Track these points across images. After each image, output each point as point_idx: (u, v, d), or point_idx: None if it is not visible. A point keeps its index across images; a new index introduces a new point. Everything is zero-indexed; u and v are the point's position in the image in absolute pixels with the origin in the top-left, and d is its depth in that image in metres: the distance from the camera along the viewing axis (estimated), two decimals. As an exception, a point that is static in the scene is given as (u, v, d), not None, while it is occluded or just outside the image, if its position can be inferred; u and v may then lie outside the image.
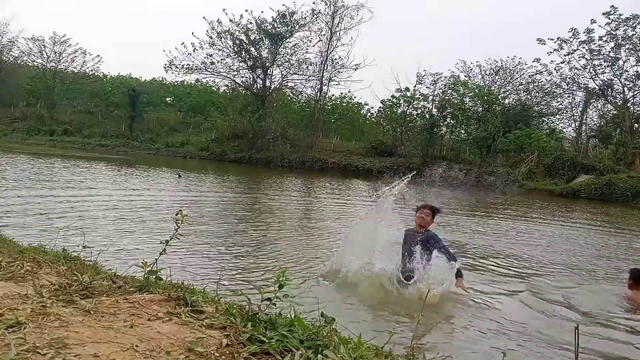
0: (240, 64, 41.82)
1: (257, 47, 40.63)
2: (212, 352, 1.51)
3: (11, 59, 51.16)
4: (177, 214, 2.42)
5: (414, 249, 4.99)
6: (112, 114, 49.47)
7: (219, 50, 40.98)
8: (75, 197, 10.70)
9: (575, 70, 37.50)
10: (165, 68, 41.57)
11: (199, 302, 1.97)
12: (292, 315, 1.86)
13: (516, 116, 38.89)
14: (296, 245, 7.61)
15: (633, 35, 33.52)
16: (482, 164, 33.29)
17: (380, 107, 44.12)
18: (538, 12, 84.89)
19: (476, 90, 38.11)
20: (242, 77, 42.81)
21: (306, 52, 41.32)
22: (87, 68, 52.51)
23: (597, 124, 42.85)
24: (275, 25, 40.04)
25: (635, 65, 34.68)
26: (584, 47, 35.73)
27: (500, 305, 5.11)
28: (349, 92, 55.74)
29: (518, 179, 30.26)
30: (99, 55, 55.88)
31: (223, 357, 1.50)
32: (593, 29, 34.77)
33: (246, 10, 52.14)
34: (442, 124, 38.62)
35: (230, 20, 40.16)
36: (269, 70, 41.57)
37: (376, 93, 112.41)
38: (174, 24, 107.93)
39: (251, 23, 40.16)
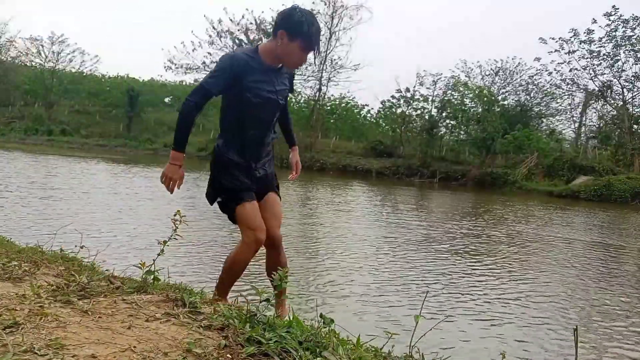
0: (240, 64, 41.79)
1: (257, 46, 40.62)
2: (210, 353, 1.51)
3: (9, 59, 51.08)
4: (175, 215, 2.41)
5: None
6: (110, 113, 49.29)
7: (219, 49, 41.02)
8: (73, 196, 10.68)
9: (575, 71, 37.64)
10: (164, 67, 41.63)
11: (197, 302, 1.97)
12: (291, 317, 1.86)
13: (516, 117, 38.89)
14: (296, 245, 7.59)
15: (632, 36, 33.60)
16: (481, 165, 33.31)
17: (379, 108, 44.17)
18: (539, 12, 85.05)
19: (476, 91, 38.07)
20: (242, 76, 42.78)
21: (306, 52, 41.31)
22: (85, 68, 52.57)
23: (597, 125, 42.93)
24: (275, 25, 40.05)
25: (635, 64, 34.80)
26: (584, 48, 35.84)
27: (501, 305, 5.11)
28: (348, 92, 55.79)
29: (517, 180, 30.29)
30: (97, 55, 55.86)
31: (221, 358, 1.50)
32: (593, 30, 34.88)
33: (247, 10, 52.27)
34: (441, 124, 38.62)
35: (230, 20, 40.27)
36: (268, 70, 41.53)
37: (376, 93, 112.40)
38: (173, 23, 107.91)
39: (251, 23, 40.23)
